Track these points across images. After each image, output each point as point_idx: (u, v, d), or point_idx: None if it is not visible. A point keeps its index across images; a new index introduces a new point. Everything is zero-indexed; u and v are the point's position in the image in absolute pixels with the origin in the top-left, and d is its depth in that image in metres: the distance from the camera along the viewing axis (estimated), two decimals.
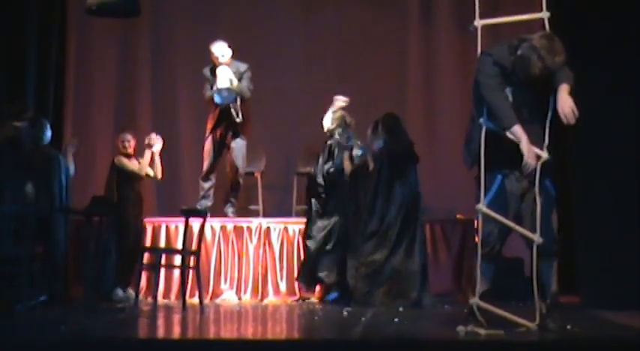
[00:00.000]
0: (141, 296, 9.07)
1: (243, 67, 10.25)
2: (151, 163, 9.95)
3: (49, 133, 9.17)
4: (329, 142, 9.85)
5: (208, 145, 10.39)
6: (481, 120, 6.46)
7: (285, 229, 10.13)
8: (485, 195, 6.52)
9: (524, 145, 6.26)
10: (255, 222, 10.22)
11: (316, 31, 11.99)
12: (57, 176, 8.98)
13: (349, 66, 11.78)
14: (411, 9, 11.96)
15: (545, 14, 6.61)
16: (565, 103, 6.20)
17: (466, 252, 10.11)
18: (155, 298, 8.71)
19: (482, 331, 6.21)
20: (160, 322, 7.77)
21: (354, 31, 11.88)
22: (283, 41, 11.88)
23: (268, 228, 10.13)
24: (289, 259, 10.02)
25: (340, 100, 10.07)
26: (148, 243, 10.06)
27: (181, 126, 11.72)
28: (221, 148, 10.43)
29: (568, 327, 6.48)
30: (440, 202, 11.09)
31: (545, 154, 6.34)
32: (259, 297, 9.93)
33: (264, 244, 10.08)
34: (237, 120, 10.21)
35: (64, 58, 11.48)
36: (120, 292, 9.60)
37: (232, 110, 10.19)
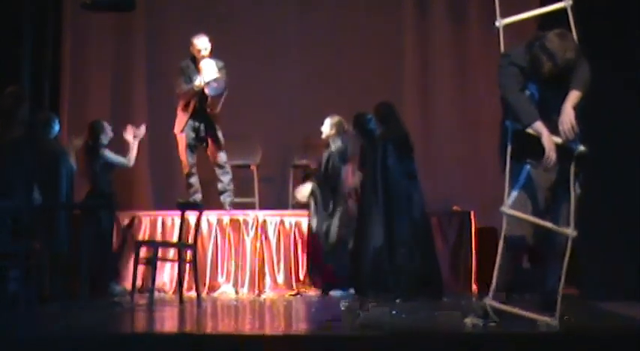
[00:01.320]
0: (137, 290, 9.05)
1: (220, 63, 10.18)
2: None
3: (57, 128, 9.18)
4: (325, 154, 9.83)
5: (184, 140, 10.32)
6: (507, 122, 6.55)
7: (282, 221, 10.11)
8: (513, 187, 6.56)
9: (546, 138, 6.27)
10: (251, 215, 10.21)
11: (312, 22, 11.96)
12: (63, 172, 9.00)
13: (345, 58, 11.77)
14: (406, 5, 11.93)
15: (568, 3, 6.56)
16: (565, 118, 6.24)
17: (462, 244, 10.11)
18: (152, 292, 8.70)
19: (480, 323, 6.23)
20: (157, 316, 7.78)
21: (350, 24, 11.87)
22: (279, 33, 11.86)
23: (265, 221, 10.11)
24: (286, 252, 10.01)
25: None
26: (144, 236, 10.05)
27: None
28: (197, 142, 10.37)
29: (565, 318, 6.49)
30: (436, 195, 11.09)
31: (581, 147, 6.38)
32: (256, 291, 9.93)
33: (261, 237, 10.07)
34: (216, 111, 10.17)
35: (59, 53, 11.44)
36: (116, 287, 9.60)
37: (211, 100, 10.11)
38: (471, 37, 11.79)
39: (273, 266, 10.01)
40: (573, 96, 6.29)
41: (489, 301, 6.43)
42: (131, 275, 8.98)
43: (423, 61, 11.88)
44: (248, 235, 10.09)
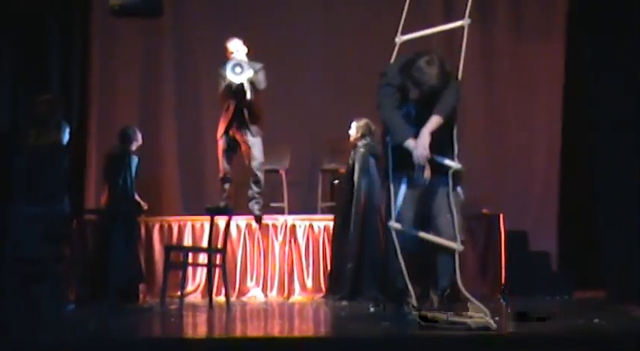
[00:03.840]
0: (167, 295, 9.08)
1: (257, 65, 10.22)
2: None
3: (66, 136, 9.23)
4: (352, 158, 9.82)
5: (223, 145, 10.36)
6: (387, 138, 6.82)
7: (311, 226, 10.14)
8: (395, 202, 6.83)
9: (415, 148, 6.50)
10: (280, 219, 10.24)
11: (338, 27, 11.97)
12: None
13: (372, 62, 11.73)
14: (433, 3, 11.91)
15: (465, 21, 6.74)
16: (419, 143, 6.50)
17: (491, 247, 10.09)
18: (182, 296, 8.73)
19: (493, 325, 6.21)
20: (187, 320, 7.79)
21: (376, 27, 11.83)
22: (306, 38, 11.88)
23: (294, 225, 10.14)
24: (315, 256, 10.04)
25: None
26: (173, 241, 10.09)
27: (206, 125, 11.71)
28: (236, 146, 10.40)
29: (595, 321, 6.47)
30: (465, 198, 11.06)
31: (455, 164, 6.79)
32: (285, 294, 9.95)
33: (290, 241, 10.10)
34: (248, 97, 10.16)
35: (87, 59, 11.51)
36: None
37: (246, 88, 10.13)
38: (497, 38, 11.76)
39: (302, 270, 10.04)
40: (433, 121, 6.55)
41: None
42: (161, 280, 9.03)
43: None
44: (277, 239, 10.13)
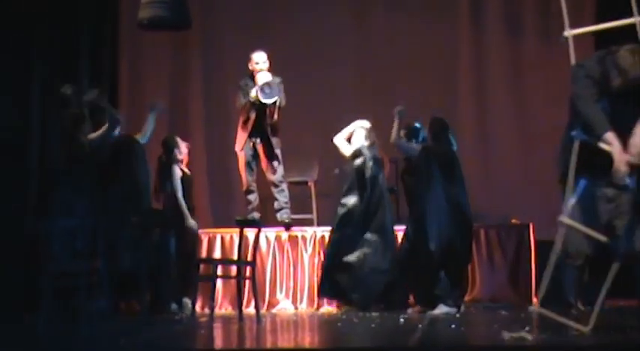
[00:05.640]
0: (197, 307, 9.10)
1: (277, 79, 10.24)
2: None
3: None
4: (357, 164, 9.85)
5: (244, 158, 10.38)
6: (573, 133, 6.46)
7: None
8: (571, 198, 6.50)
9: (616, 151, 6.18)
10: (309, 231, 10.25)
11: (367, 39, 12.00)
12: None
13: (400, 73, 11.76)
14: (461, 15, 11.92)
15: (636, 19, 6.48)
16: (637, 141, 6.19)
17: (521, 257, 10.07)
18: (212, 308, 8.75)
19: (529, 337, 6.16)
20: (217, 332, 7.80)
21: (404, 38, 11.87)
22: (334, 50, 11.88)
23: (323, 236, 10.14)
24: None
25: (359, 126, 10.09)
26: (203, 254, 10.12)
27: (234, 137, 11.74)
28: (257, 158, 10.41)
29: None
30: (494, 207, 11.07)
31: None
32: (315, 306, 9.95)
33: (319, 253, 10.09)
34: (274, 120, 10.20)
35: (116, 72, 11.58)
36: (173, 304, 9.65)
37: (269, 111, 10.17)
38: (526, 49, 11.74)
39: None
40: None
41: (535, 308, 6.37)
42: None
43: (479, 73, 11.85)
44: (306, 251, 10.13)
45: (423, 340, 6.65)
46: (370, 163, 9.68)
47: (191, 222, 9.88)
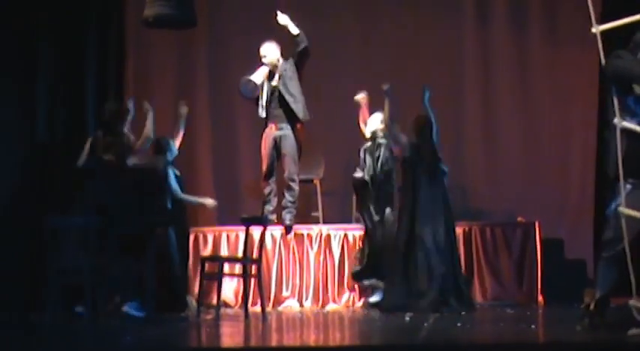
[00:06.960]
0: (203, 305, 9.11)
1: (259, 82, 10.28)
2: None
3: None
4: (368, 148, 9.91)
5: (264, 149, 10.39)
6: (615, 120, 6.34)
7: (346, 236, 10.13)
8: (615, 200, 6.39)
9: None
10: (315, 229, 10.24)
11: (372, 38, 11.98)
12: None
13: (406, 73, 11.74)
14: (468, 15, 11.90)
15: None
16: None
17: (527, 255, 10.06)
18: (217, 306, 8.76)
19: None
20: (223, 330, 7.81)
21: (410, 38, 11.85)
22: (339, 48, 11.86)
23: (329, 235, 10.14)
24: (350, 266, 10.01)
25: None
26: (208, 252, 10.12)
27: (240, 135, 11.74)
28: (276, 150, 10.41)
29: None
30: (500, 205, 11.07)
31: None
32: (320, 304, 9.95)
33: (325, 251, 10.09)
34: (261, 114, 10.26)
35: (122, 68, 11.57)
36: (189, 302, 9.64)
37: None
38: (532, 48, 11.72)
39: (336, 280, 10.02)
40: None
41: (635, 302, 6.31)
42: (197, 290, 9.07)
43: (485, 72, 11.83)
44: (312, 249, 10.12)
45: (429, 338, 6.66)
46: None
47: (209, 200, 9.94)
